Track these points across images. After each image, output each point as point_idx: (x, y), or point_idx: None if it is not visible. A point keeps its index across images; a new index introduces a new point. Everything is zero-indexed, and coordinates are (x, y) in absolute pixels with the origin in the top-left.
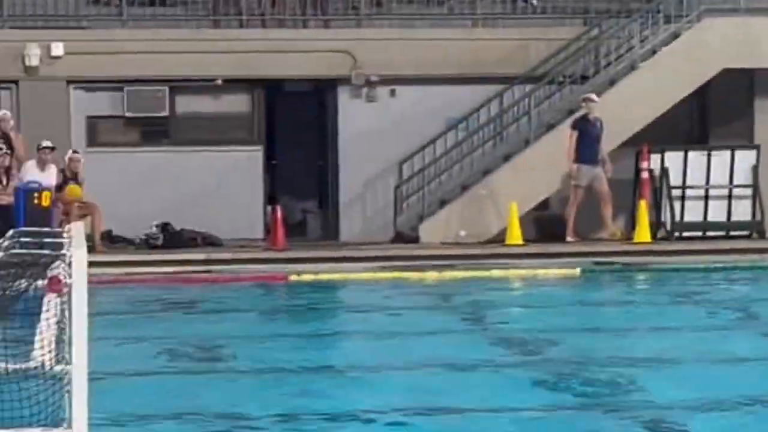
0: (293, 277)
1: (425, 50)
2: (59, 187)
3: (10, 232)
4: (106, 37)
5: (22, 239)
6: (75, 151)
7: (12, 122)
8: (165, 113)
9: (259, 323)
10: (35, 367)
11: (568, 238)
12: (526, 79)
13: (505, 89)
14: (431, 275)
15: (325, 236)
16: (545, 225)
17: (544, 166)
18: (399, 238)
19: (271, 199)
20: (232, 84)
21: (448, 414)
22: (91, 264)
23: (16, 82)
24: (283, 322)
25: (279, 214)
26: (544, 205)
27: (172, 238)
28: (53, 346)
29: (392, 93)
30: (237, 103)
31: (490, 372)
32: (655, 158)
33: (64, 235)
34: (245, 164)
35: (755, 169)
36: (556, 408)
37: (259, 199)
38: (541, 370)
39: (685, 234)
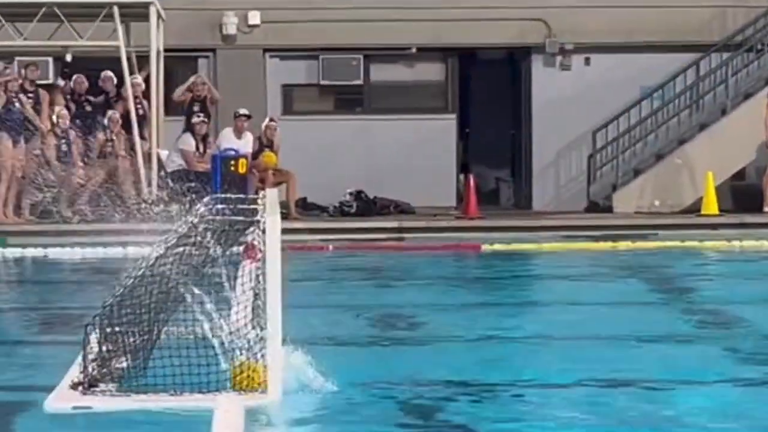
0: (486, 247)
1: (620, 18)
2: (255, 155)
3: (206, 198)
4: (302, 5)
5: (218, 205)
6: (272, 119)
7: (207, 84)
8: (359, 81)
9: (452, 292)
10: (231, 333)
11: (766, 209)
12: (723, 46)
13: (702, 57)
14: (624, 245)
15: (518, 205)
16: (742, 195)
17: (740, 136)
18: (592, 207)
19: (464, 167)
20: (426, 52)
21: (634, 386)
22: (285, 231)
23: (213, 50)
24: (475, 292)
25: (472, 182)
26: (740, 174)
27: (365, 205)
28: (248, 311)
29: (587, 61)
30: (431, 71)
31: (681, 345)
32: None
33: (259, 201)
34: (439, 132)
35: None
36: (748, 383)
37: (452, 167)
38: (734, 343)
39: None
